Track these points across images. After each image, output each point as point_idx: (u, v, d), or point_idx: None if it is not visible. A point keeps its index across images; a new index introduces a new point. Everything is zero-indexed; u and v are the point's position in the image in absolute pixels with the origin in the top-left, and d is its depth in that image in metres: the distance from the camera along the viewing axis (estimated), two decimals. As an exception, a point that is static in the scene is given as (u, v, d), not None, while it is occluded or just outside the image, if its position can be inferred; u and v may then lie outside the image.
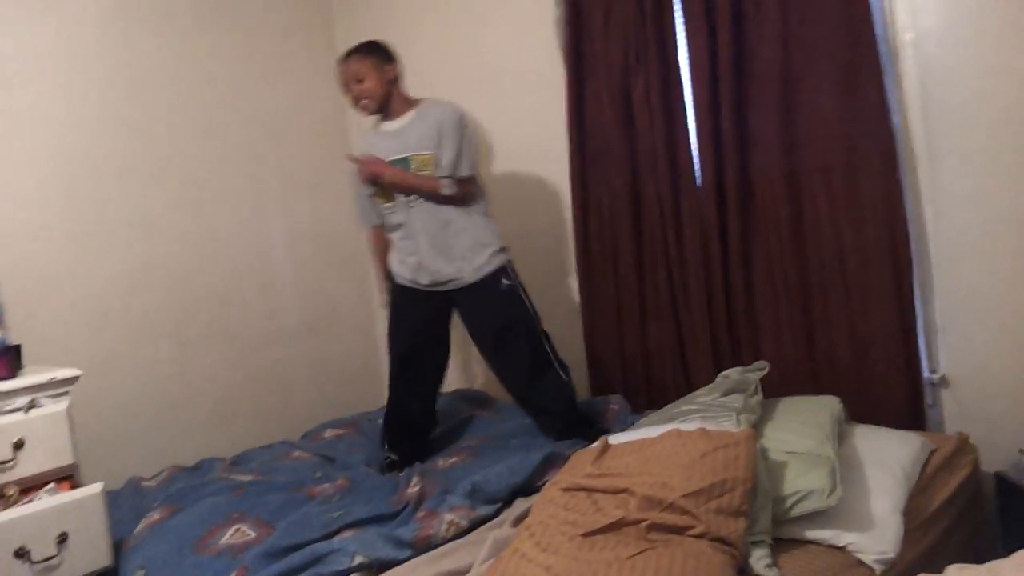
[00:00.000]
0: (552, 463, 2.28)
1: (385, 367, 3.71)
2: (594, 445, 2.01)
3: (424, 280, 2.72)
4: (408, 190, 2.66)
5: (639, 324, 2.92)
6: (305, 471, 2.63)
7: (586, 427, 2.63)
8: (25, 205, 2.84)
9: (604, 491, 1.81)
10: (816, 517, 1.78)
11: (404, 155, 2.66)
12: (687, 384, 2.74)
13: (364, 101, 2.69)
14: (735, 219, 2.67)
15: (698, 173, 2.76)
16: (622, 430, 2.40)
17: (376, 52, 2.70)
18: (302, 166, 3.65)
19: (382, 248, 2.89)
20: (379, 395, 3.69)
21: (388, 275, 2.87)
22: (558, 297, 3.21)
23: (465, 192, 2.69)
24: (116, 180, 3.06)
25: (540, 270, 3.23)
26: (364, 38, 3.42)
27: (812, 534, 1.78)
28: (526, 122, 3.24)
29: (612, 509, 1.75)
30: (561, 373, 2.72)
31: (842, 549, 1.74)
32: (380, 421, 2.91)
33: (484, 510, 2.13)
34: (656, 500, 1.73)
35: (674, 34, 2.77)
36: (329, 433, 3.07)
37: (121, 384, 3.01)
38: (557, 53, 3.08)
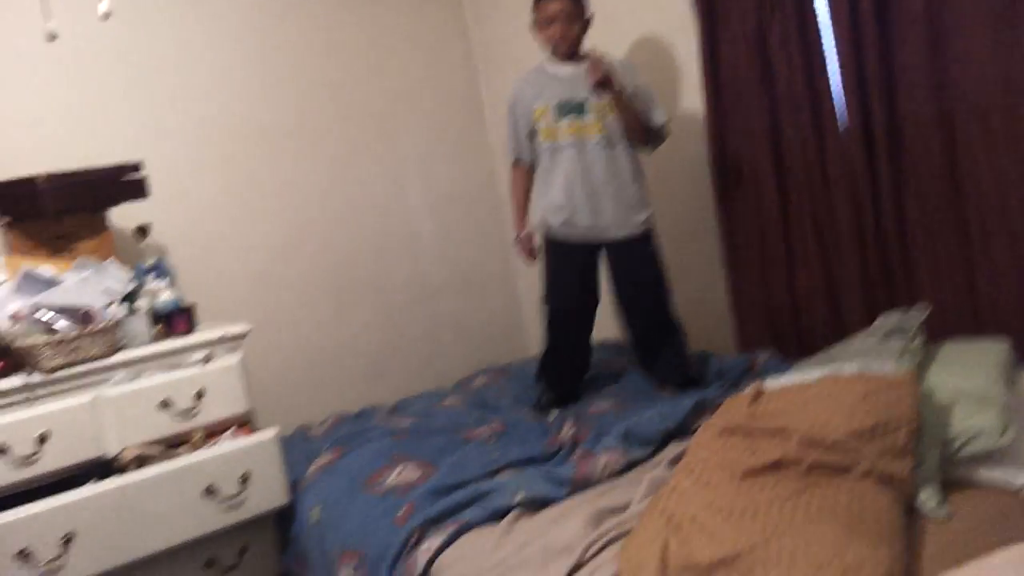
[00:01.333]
0: (704, 408, 2.30)
1: (526, 322, 3.80)
2: (747, 390, 2.00)
3: (581, 227, 2.78)
4: (624, 113, 2.68)
5: (786, 273, 2.86)
6: (461, 416, 2.74)
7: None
8: (191, 178, 3.06)
9: (761, 433, 1.80)
10: (987, 458, 1.73)
11: (580, 100, 2.73)
12: (840, 332, 2.67)
13: (566, 41, 2.75)
14: (884, 162, 2.57)
15: (842, 117, 2.68)
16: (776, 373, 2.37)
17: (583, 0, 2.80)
18: (438, 132, 3.75)
19: (527, 187, 2.92)
20: (520, 350, 3.80)
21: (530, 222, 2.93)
22: (699, 250, 3.19)
23: (658, 141, 2.79)
24: (271, 153, 3.26)
25: (679, 224, 3.22)
26: (492, 11, 3.47)
27: (983, 475, 1.73)
28: (660, 75, 3.21)
29: (770, 449, 1.75)
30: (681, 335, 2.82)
31: (1015, 492, 1.69)
32: (535, 365, 3.00)
33: (638, 452, 2.17)
34: (816, 440, 1.71)
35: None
36: (479, 380, 3.17)
37: (284, 340, 3.22)
38: (689, 2, 3.03)
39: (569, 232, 2.79)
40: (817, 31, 2.70)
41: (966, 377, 1.91)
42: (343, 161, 3.45)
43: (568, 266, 2.83)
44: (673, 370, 2.76)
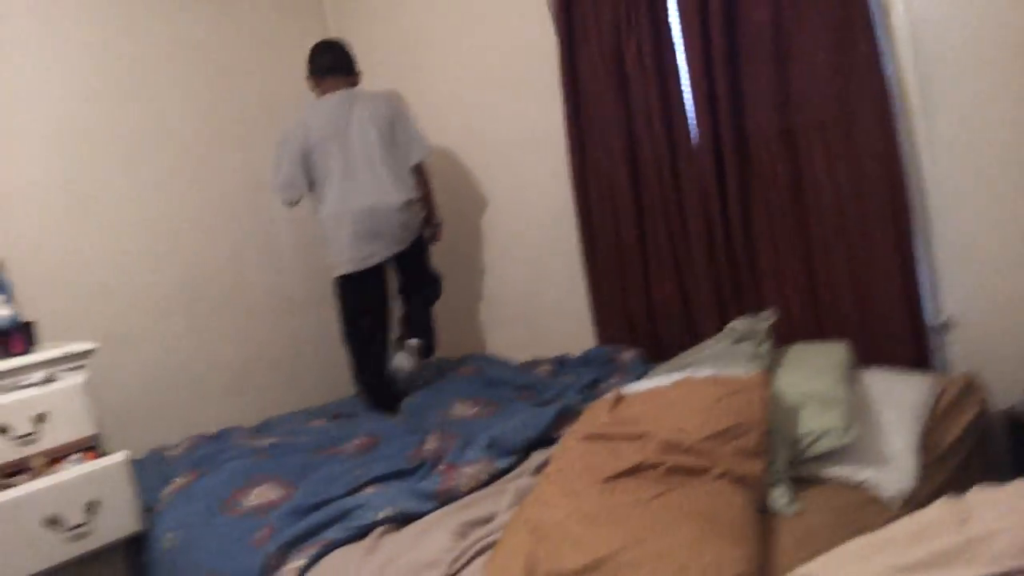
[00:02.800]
0: (566, 417, 2.33)
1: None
2: (608, 396, 2.05)
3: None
4: None
5: (643, 281, 2.97)
6: (327, 433, 2.69)
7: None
8: (31, 187, 2.87)
9: (622, 438, 1.85)
10: (833, 456, 1.83)
11: None
12: (693, 339, 2.78)
13: None
14: (733, 176, 2.70)
15: (694, 133, 2.79)
16: (635, 379, 2.45)
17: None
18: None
19: None
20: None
21: None
22: (560, 258, 3.26)
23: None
24: (119, 160, 3.10)
25: (540, 232, 3.28)
26: (353, 18, 3.49)
27: (830, 472, 1.83)
28: (520, 91, 3.27)
29: (631, 454, 1.79)
30: None
31: (859, 486, 1.79)
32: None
33: (503, 462, 2.18)
34: (674, 444, 1.77)
35: (664, -7, 2.80)
36: (347, 408, 3.10)
37: (138, 358, 3.05)
38: (548, 20, 3.09)
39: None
40: (672, 47, 2.81)
41: (812, 379, 2.02)
42: (198, 170, 3.33)
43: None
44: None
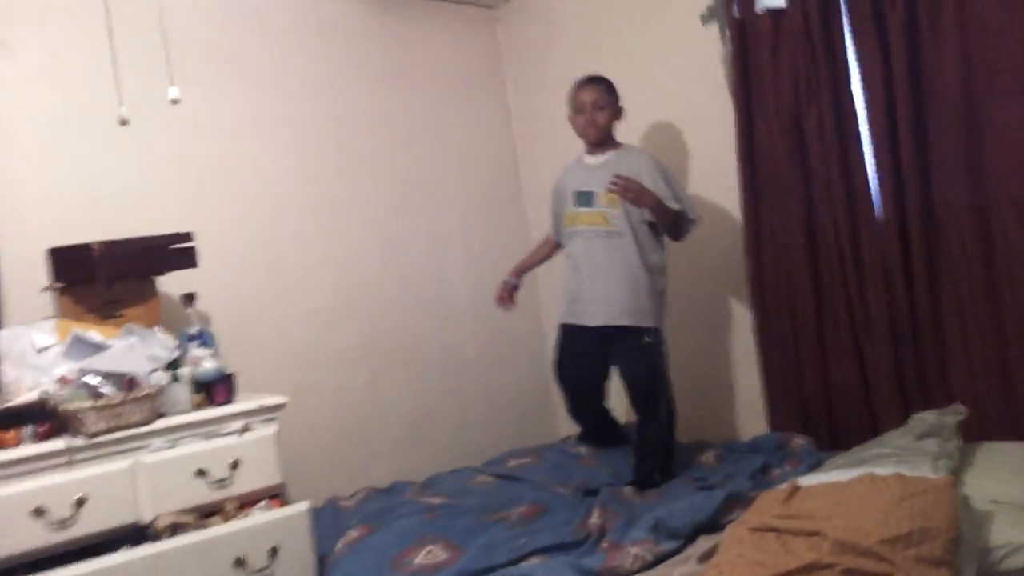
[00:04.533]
0: (735, 502, 2.28)
1: (556, 400, 3.84)
2: (783, 486, 1.99)
3: (579, 312, 2.92)
4: (657, 212, 2.76)
5: (819, 362, 2.87)
6: (491, 495, 2.74)
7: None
8: (236, 248, 3.13)
9: (795, 533, 1.79)
10: (1027, 572, 1.71)
11: (592, 190, 2.86)
12: (872, 426, 2.66)
13: (594, 128, 2.89)
14: (919, 251, 2.58)
15: (877, 204, 2.70)
16: (807, 468, 2.36)
17: (615, 90, 2.92)
18: (477, 209, 3.86)
19: (545, 252, 3.21)
20: (550, 427, 3.80)
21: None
22: (732, 332, 3.20)
23: (682, 233, 2.86)
24: (311, 223, 3.34)
25: (712, 306, 3.24)
26: (532, 83, 3.58)
27: (1023, 588, 1.70)
28: (696, 160, 3.27)
29: (803, 552, 1.73)
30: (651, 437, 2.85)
31: (1056, 606, 1.66)
32: (565, 448, 3.21)
33: (667, 545, 2.16)
34: (850, 544, 1.70)
35: (846, 60, 2.75)
36: (512, 462, 3.16)
37: (317, 410, 3.24)
38: (725, 91, 3.09)
39: (570, 316, 2.96)
40: (854, 119, 2.75)
41: (1006, 484, 1.89)
42: (383, 233, 3.53)
43: (570, 347, 3.00)
44: (630, 466, 2.84)
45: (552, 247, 3.17)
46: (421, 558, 2.26)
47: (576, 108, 2.92)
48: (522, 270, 3.21)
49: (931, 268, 2.59)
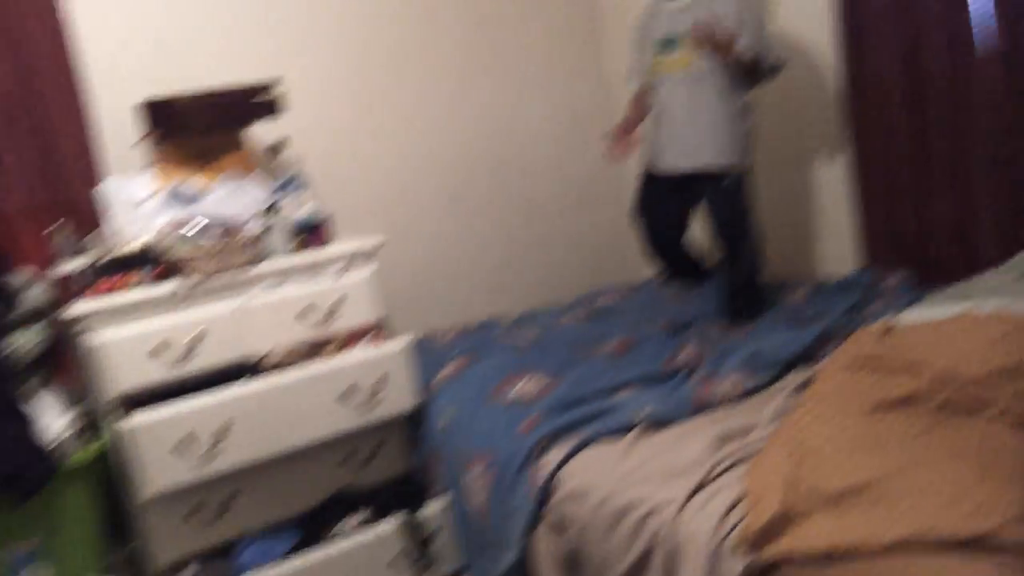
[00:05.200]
0: (829, 337, 2.30)
1: (635, 242, 3.86)
2: (878, 324, 2.00)
3: (663, 160, 2.89)
4: (741, 60, 2.67)
5: (918, 197, 2.78)
6: (582, 332, 2.80)
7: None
8: (325, 95, 3.17)
9: (893, 368, 1.81)
10: None
11: (673, 35, 2.78)
12: (972, 263, 2.59)
13: None
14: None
15: (984, 36, 2.53)
16: (904, 306, 2.35)
17: None
18: (557, 55, 3.79)
19: (643, 106, 3.05)
20: (631, 267, 3.84)
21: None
22: (823, 170, 3.13)
23: (766, 78, 2.76)
24: (399, 72, 3.35)
25: (803, 143, 3.15)
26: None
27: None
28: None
29: (900, 385, 1.75)
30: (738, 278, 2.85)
31: None
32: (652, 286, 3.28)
33: (760, 378, 2.20)
34: (950, 377, 1.71)
35: None
36: (600, 301, 3.23)
37: (409, 252, 3.35)
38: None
39: (654, 162, 2.94)
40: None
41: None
42: (466, 80, 3.52)
43: (652, 193, 3.02)
44: (719, 303, 2.86)
45: (644, 97, 3.05)
46: (519, 388, 2.36)
47: None
48: (630, 127, 3.09)
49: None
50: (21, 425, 2.09)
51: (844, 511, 1.53)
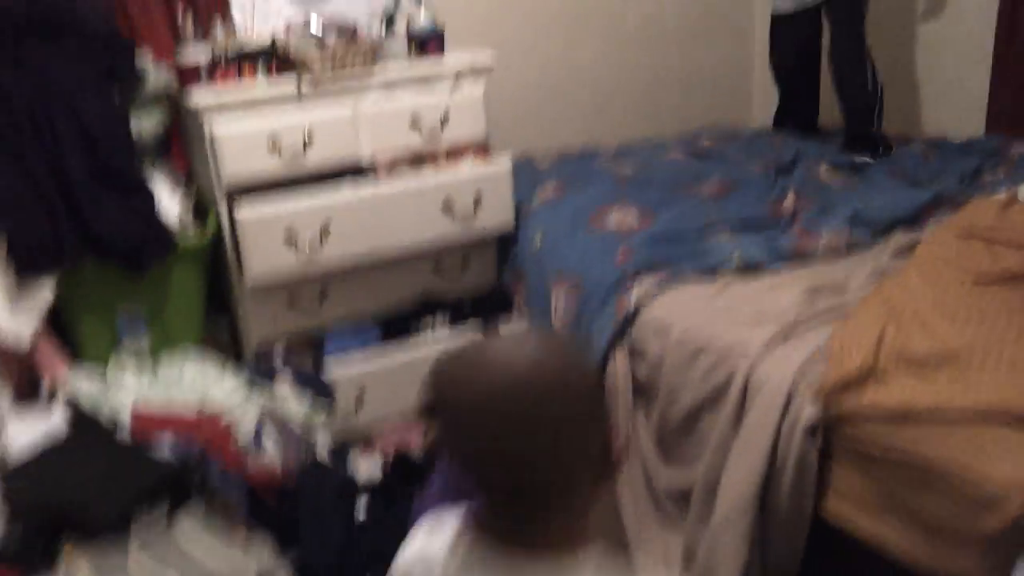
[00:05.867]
0: (939, 203, 2.22)
1: (754, 85, 3.71)
2: (999, 195, 1.93)
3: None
4: None
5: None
6: (683, 171, 2.76)
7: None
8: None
9: (1006, 243, 1.77)
10: None
11: None
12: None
13: None
14: None
15: None
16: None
17: None
18: None
19: None
20: (745, 112, 3.72)
21: None
22: (959, 22, 2.92)
23: None
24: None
25: None
26: None
27: None
28: None
29: (1012, 262, 1.73)
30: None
31: None
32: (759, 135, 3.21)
33: (864, 235, 2.16)
34: (1065, 260, 1.68)
35: None
36: (705, 141, 3.16)
37: (516, 69, 3.26)
38: None
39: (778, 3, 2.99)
40: None
41: None
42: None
43: (782, 31, 3.05)
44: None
45: None
46: (614, 220, 2.38)
47: None
48: None
49: None
50: (146, 201, 2.22)
51: (926, 374, 1.55)
